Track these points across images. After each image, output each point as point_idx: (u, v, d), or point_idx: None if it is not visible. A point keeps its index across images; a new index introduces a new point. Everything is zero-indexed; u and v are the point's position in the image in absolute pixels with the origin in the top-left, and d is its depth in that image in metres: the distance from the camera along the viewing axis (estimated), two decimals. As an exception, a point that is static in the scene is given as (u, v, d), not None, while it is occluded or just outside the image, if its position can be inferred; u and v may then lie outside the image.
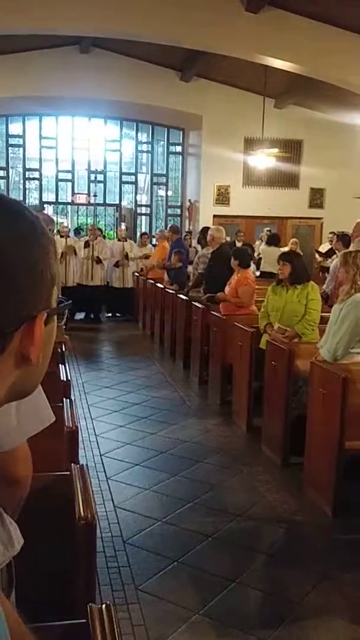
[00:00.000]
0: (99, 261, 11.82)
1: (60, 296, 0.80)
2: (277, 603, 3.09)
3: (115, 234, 14.02)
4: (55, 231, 10.88)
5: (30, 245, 0.71)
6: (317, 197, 14.96)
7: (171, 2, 9.34)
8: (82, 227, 14.34)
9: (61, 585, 1.99)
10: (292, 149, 14.36)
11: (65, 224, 12.76)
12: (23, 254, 0.70)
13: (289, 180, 14.80)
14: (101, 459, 4.89)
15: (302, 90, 12.46)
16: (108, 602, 1.45)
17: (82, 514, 1.94)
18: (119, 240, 12.49)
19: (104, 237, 12.93)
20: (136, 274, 12.19)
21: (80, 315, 11.90)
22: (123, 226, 13.33)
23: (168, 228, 12.31)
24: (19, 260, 0.69)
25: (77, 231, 13.53)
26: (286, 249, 10.57)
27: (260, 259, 11.49)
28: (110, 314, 12.56)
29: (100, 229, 13.24)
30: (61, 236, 11.54)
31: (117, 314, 12.56)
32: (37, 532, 1.73)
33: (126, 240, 12.46)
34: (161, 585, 3.19)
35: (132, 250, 12.32)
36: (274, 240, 11.95)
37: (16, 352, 0.71)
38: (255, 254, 11.24)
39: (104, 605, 1.44)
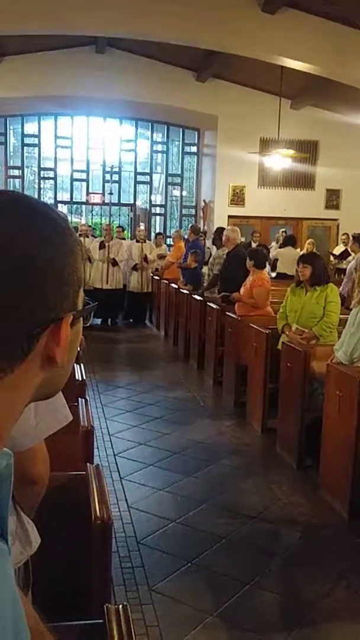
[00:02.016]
0: (115, 263, 11.24)
1: (86, 298, 0.79)
2: (293, 606, 3.07)
3: (130, 234, 13.87)
4: None
5: (57, 248, 0.71)
6: (333, 198, 14.89)
7: (187, 3, 9.32)
8: (95, 227, 14.26)
9: (76, 584, 1.99)
10: (308, 150, 14.29)
11: (84, 223, 12.55)
12: (50, 257, 0.70)
13: (304, 181, 14.75)
14: (115, 458, 4.88)
15: (319, 91, 12.40)
16: (125, 603, 1.45)
17: (98, 513, 1.94)
18: (137, 241, 11.83)
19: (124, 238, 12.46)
20: (150, 274, 11.84)
21: (97, 321, 11.30)
22: (142, 226, 12.84)
23: (188, 227, 12.09)
24: (46, 263, 0.69)
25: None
26: (302, 250, 10.53)
27: (275, 260, 11.44)
28: (127, 320, 11.86)
29: (122, 227, 12.65)
30: (80, 236, 11.05)
31: (132, 320, 11.85)
32: (52, 532, 1.72)
33: (145, 242, 11.86)
34: (175, 586, 3.17)
35: (151, 252, 11.72)
36: (290, 241, 11.91)
37: (42, 353, 0.71)
38: (271, 255, 11.16)
39: (120, 606, 1.43)
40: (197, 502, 4.15)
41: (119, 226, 12.86)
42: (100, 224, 15.44)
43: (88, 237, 11.71)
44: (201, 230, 13.48)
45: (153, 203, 16.02)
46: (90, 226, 13.65)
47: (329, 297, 5.34)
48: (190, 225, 12.76)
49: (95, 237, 12.28)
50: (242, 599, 3.08)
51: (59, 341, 0.71)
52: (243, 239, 9.20)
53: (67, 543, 1.99)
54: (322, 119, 14.15)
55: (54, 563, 1.83)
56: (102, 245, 11.26)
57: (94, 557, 1.95)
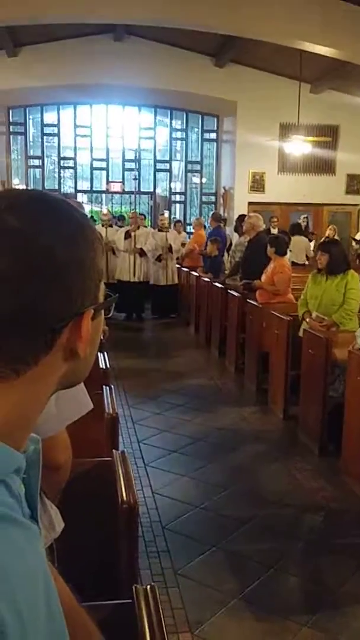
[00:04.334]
0: (142, 253, 10.54)
1: (107, 290, 0.82)
2: (316, 589, 3.11)
3: (150, 222, 13.73)
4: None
5: (78, 244, 0.74)
6: (354, 183, 14.74)
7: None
8: (123, 216, 14.05)
9: (104, 567, 2.05)
10: (328, 135, 14.14)
11: (105, 212, 12.14)
12: (72, 253, 0.72)
13: (325, 166, 14.61)
14: (139, 445, 4.95)
15: (339, 74, 12.25)
16: (152, 584, 1.49)
17: (124, 498, 1.98)
18: (160, 230, 11.05)
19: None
20: (176, 264, 11.20)
21: (121, 316, 10.59)
22: (165, 214, 12.34)
23: (210, 215, 11.92)
24: (68, 259, 0.72)
25: (121, 218, 12.96)
26: (322, 237, 10.46)
27: None
28: (155, 315, 11.16)
29: (144, 215, 11.93)
30: (102, 225, 10.76)
31: (160, 315, 11.10)
32: (81, 516, 1.78)
33: (169, 231, 11.12)
34: (200, 570, 3.23)
35: (175, 242, 11.02)
36: (296, 229, 11.88)
37: (65, 346, 0.74)
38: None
39: (148, 587, 1.48)
40: (220, 488, 4.20)
41: (140, 214, 12.70)
42: (120, 212, 15.44)
43: (112, 226, 11.21)
44: (222, 217, 13.36)
45: (173, 191, 15.99)
46: (114, 215, 13.09)
47: (349, 284, 5.32)
48: (211, 213, 12.68)
49: (121, 227, 11.64)
50: (265, 582, 3.13)
51: (81, 334, 0.74)
52: (264, 226, 9.18)
53: (94, 527, 2.05)
54: (342, 103, 13.98)
55: (82, 546, 1.89)
56: (127, 235, 10.57)
57: (122, 540, 2.00)
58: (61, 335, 0.73)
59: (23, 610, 0.62)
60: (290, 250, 9.63)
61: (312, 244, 12.25)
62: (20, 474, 0.72)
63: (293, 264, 10.45)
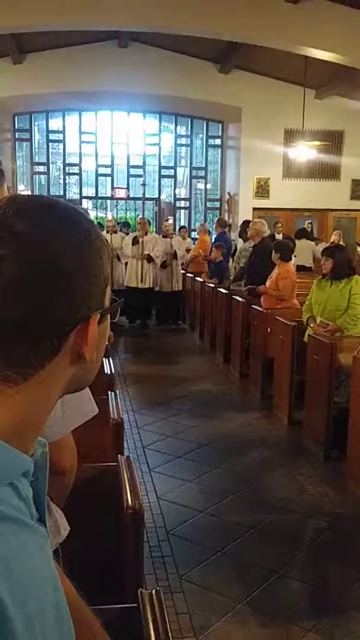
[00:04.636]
0: (150, 260, 10.39)
1: (112, 295, 0.83)
2: (321, 594, 3.11)
3: (155, 228, 13.72)
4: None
5: (85, 250, 0.75)
6: (358, 189, 14.75)
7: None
8: (128, 222, 14.04)
9: (109, 571, 2.05)
10: (333, 140, 14.16)
11: (110, 218, 12.09)
12: (78, 258, 0.73)
13: (330, 172, 14.62)
14: (144, 451, 4.95)
15: (344, 80, 12.28)
16: (157, 588, 1.50)
17: (129, 503, 1.99)
18: (164, 236, 11.00)
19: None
20: (181, 270, 11.18)
21: (125, 322, 10.60)
22: (170, 220, 12.29)
23: (215, 221, 11.93)
24: (75, 265, 0.73)
25: (126, 224, 12.86)
26: (327, 242, 10.46)
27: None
28: (159, 321, 11.14)
29: (148, 221, 11.68)
30: (107, 232, 10.67)
31: (170, 321, 11.10)
32: (85, 521, 1.79)
33: (173, 237, 11.14)
34: (205, 575, 3.23)
35: (180, 248, 11.05)
36: (302, 234, 11.90)
37: (71, 350, 0.75)
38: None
39: (153, 591, 1.49)
40: (225, 494, 4.20)
41: (147, 221, 12.65)
42: (125, 218, 15.47)
43: (117, 232, 11.18)
44: (226, 223, 13.35)
45: (177, 197, 16.01)
46: (118, 222, 13.04)
47: (354, 289, 5.32)
48: (216, 218, 12.69)
49: (126, 234, 11.52)
50: (270, 588, 3.13)
51: (87, 338, 0.75)
52: (269, 231, 9.19)
53: (100, 532, 2.05)
54: (347, 109, 14.01)
55: (87, 550, 1.89)
56: (135, 241, 10.41)
57: (127, 544, 2.01)
58: (68, 340, 0.73)
59: (33, 612, 0.63)
60: (295, 256, 9.65)
61: (318, 245, 12.21)
62: (29, 477, 0.73)
63: (299, 267, 10.47)
